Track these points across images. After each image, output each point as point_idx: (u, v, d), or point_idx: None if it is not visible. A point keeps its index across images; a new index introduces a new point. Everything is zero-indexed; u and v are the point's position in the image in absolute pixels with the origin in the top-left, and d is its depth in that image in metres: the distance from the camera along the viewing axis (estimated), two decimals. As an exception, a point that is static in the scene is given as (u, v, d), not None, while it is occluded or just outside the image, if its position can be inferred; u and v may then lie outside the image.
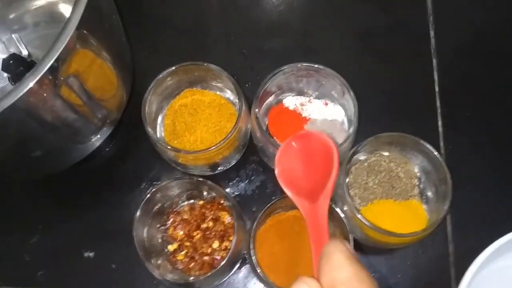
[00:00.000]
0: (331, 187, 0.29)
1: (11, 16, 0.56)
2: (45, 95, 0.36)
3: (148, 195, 0.48)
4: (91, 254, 0.56)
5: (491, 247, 0.46)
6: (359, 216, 0.46)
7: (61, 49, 0.35)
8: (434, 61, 0.62)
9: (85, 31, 0.37)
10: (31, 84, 0.34)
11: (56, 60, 0.35)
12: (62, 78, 0.36)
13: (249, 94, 0.54)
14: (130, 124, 0.59)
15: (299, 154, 0.34)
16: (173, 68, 0.51)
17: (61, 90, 0.36)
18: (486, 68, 0.62)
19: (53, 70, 0.35)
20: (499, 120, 0.60)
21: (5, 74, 0.53)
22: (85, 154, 0.49)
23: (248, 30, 0.65)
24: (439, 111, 0.60)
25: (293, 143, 0.34)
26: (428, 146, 0.49)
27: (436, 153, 0.48)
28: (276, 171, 0.33)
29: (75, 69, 0.38)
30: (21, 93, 0.34)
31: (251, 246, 0.47)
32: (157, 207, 0.52)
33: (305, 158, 0.33)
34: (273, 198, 0.50)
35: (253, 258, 0.47)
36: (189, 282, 0.48)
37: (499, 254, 0.48)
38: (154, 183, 0.58)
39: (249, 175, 0.58)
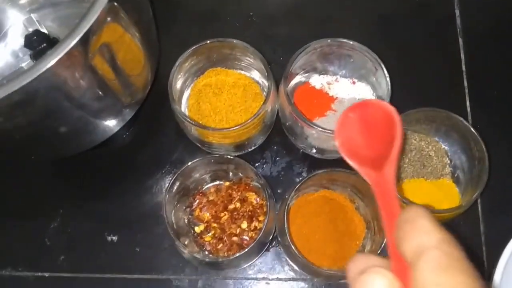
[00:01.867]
0: (396, 154, 0.28)
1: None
2: (75, 66, 0.35)
3: (175, 176, 0.47)
4: (115, 238, 0.55)
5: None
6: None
7: (93, 20, 0.34)
8: (461, 40, 0.61)
9: (115, 3, 0.36)
10: (63, 53, 0.33)
11: (88, 32, 0.34)
12: (93, 49, 0.35)
13: (273, 75, 0.52)
14: (151, 107, 0.58)
15: (359, 124, 0.32)
16: (199, 45, 0.50)
17: (94, 60, 0.35)
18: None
19: (83, 41, 0.34)
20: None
21: (22, 55, 0.52)
22: (109, 134, 0.48)
23: (269, 13, 0.64)
24: (466, 91, 0.59)
25: (351, 114, 0.33)
26: (462, 120, 0.48)
27: (471, 128, 0.47)
28: (337, 143, 0.32)
29: (105, 41, 0.37)
30: (53, 62, 0.32)
31: (285, 226, 0.46)
32: (182, 188, 0.51)
33: (365, 127, 0.32)
34: (299, 179, 0.48)
35: (287, 237, 0.45)
36: (218, 262, 0.47)
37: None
38: (178, 165, 0.56)
39: (274, 157, 0.57)
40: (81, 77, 0.36)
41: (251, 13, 0.64)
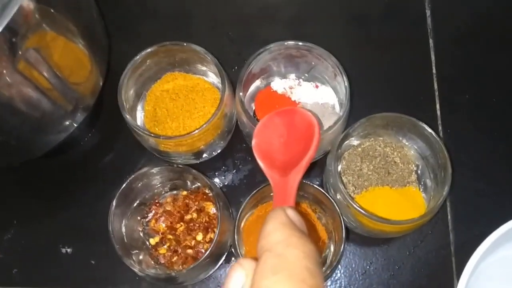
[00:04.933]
0: (305, 163, 0.29)
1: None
2: (1, 70, 0.33)
3: (125, 185, 0.45)
4: (69, 250, 0.52)
5: (491, 237, 0.43)
6: (353, 204, 0.43)
7: (10, 17, 0.31)
8: (431, 41, 0.59)
9: (45, 5, 0.34)
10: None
11: (7, 30, 0.31)
12: (20, 52, 0.32)
13: (236, 79, 0.50)
14: (111, 112, 0.56)
15: (281, 129, 0.33)
16: (152, 48, 0.48)
17: (20, 64, 0.33)
18: (484, 50, 0.59)
19: (8, 42, 0.32)
20: (499, 103, 0.56)
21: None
22: (57, 142, 0.46)
23: (236, 15, 0.62)
24: (436, 94, 0.57)
25: (276, 118, 0.33)
26: (426, 127, 0.45)
27: (434, 135, 0.45)
28: (252, 142, 0.33)
29: (36, 44, 0.34)
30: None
31: (236, 238, 0.43)
32: (137, 198, 0.49)
33: (287, 133, 0.33)
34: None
35: (239, 250, 0.43)
36: (172, 276, 0.44)
37: (500, 243, 0.45)
38: (138, 174, 0.54)
39: (236, 164, 0.54)
40: (10, 82, 0.34)
41: (217, 15, 0.62)
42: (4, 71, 0.33)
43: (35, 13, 0.34)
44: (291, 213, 0.24)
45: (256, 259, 0.23)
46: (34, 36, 0.34)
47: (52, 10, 0.36)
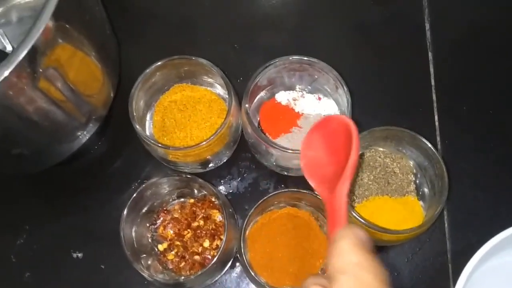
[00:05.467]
0: (350, 171, 0.28)
1: (-4, 11, 0.55)
2: (22, 87, 0.34)
3: (136, 194, 0.47)
4: (80, 255, 0.54)
5: (487, 245, 0.45)
6: (353, 213, 0.45)
7: (35, 38, 0.34)
8: (430, 54, 0.61)
9: (63, 23, 0.36)
10: (5, 74, 0.32)
11: (32, 51, 0.33)
12: (40, 70, 0.34)
13: (241, 90, 0.52)
14: (119, 122, 0.57)
15: (323, 141, 0.33)
16: (161, 62, 0.50)
17: (40, 82, 0.35)
18: (482, 60, 0.61)
19: (29, 60, 0.33)
20: (497, 114, 0.58)
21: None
22: (71, 151, 0.48)
23: (240, 24, 0.64)
24: (435, 105, 0.58)
25: (315, 133, 0.34)
26: (424, 140, 0.47)
27: (432, 148, 0.47)
28: (301, 164, 0.33)
29: (54, 61, 0.36)
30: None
31: (242, 245, 0.45)
32: (146, 205, 0.51)
33: (328, 143, 0.33)
34: (265, 196, 0.48)
35: (244, 257, 0.45)
36: (180, 282, 0.46)
37: (496, 251, 0.47)
38: (145, 181, 0.56)
39: (241, 173, 0.56)
40: (28, 100, 0.36)
41: (222, 26, 0.63)
42: (25, 87, 0.35)
43: (53, 30, 0.35)
44: (360, 232, 0.25)
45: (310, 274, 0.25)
46: (53, 52, 0.36)
47: (68, 26, 0.37)
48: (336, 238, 0.25)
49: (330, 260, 0.24)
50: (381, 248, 0.53)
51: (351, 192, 0.51)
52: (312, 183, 0.32)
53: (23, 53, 0.32)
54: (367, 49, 0.62)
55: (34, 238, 0.55)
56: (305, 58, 0.49)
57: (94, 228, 0.55)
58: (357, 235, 0.25)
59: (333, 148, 0.32)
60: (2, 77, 0.32)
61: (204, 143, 0.47)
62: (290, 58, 0.49)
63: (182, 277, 0.48)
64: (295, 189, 0.48)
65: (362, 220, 0.45)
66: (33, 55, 0.33)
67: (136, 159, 0.57)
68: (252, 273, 0.44)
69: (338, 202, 0.28)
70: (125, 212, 0.46)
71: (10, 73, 0.32)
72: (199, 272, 0.46)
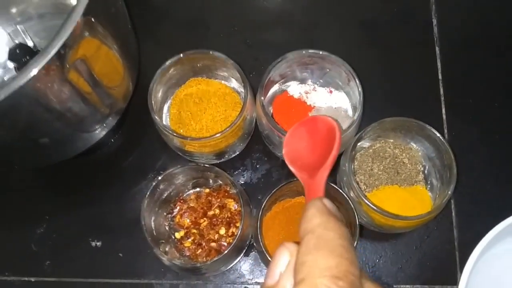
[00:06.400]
0: (330, 161, 0.32)
1: (16, 8, 0.56)
2: (52, 80, 0.36)
3: (155, 183, 0.48)
4: (99, 244, 0.56)
5: (493, 231, 0.47)
6: (365, 200, 0.46)
7: (68, 35, 0.35)
8: (437, 49, 0.62)
9: (91, 17, 0.38)
10: (36, 69, 0.34)
11: (63, 46, 0.35)
12: (69, 63, 0.36)
13: (254, 84, 0.54)
14: (136, 115, 0.60)
15: (306, 136, 0.37)
16: (179, 56, 0.51)
17: (70, 75, 0.36)
18: (489, 55, 0.62)
19: (60, 55, 0.35)
20: (502, 107, 0.60)
21: (11, 65, 0.54)
22: (91, 143, 0.50)
23: (252, 21, 0.65)
24: (442, 98, 0.60)
25: (300, 127, 0.38)
26: (433, 130, 0.49)
27: (441, 137, 0.49)
28: (283, 151, 0.37)
29: (82, 55, 0.38)
30: (27, 78, 0.34)
31: (258, 232, 0.47)
32: (163, 195, 0.52)
33: (311, 139, 0.36)
34: (278, 185, 0.50)
35: (261, 243, 0.47)
36: (196, 266, 0.48)
37: (501, 237, 0.48)
38: (162, 172, 0.58)
39: (254, 164, 0.58)
40: (57, 91, 0.38)
41: (234, 21, 0.65)
42: (55, 80, 0.37)
43: (82, 25, 0.37)
44: (327, 202, 0.28)
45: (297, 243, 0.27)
46: (81, 45, 0.38)
47: (94, 20, 0.39)
48: (307, 207, 0.28)
49: (301, 225, 0.27)
50: (391, 236, 0.55)
51: (361, 182, 0.53)
52: (292, 168, 0.36)
53: (55, 49, 0.34)
54: (375, 44, 0.63)
55: (53, 227, 0.57)
56: (318, 52, 0.51)
57: (112, 217, 0.57)
58: (325, 203, 0.28)
59: (314, 143, 0.36)
60: (33, 73, 0.34)
61: (219, 134, 0.49)
62: (303, 52, 0.51)
63: (199, 263, 0.49)
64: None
65: (374, 207, 0.46)
66: (64, 50, 0.35)
67: (151, 151, 0.59)
68: (270, 258, 0.46)
69: (318, 184, 0.32)
70: (145, 201, 0.48)
71: (42, 68, 0.34)
72: (216, 258, 0.47)
